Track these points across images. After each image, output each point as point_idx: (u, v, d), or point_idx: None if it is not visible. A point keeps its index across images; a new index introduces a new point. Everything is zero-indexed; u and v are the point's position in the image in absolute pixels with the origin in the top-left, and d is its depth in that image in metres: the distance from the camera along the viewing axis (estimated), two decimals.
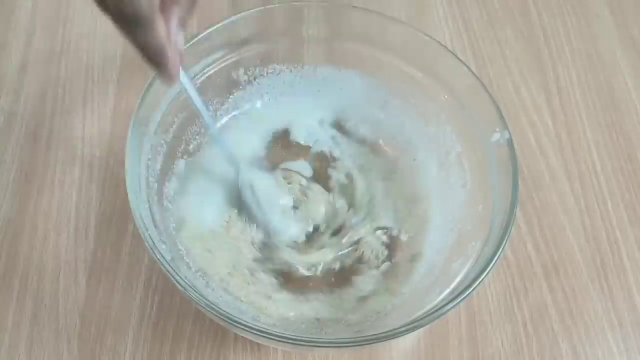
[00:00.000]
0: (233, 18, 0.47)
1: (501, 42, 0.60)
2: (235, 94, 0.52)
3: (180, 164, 0.49)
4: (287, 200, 0.49)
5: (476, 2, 0.63)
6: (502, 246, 0.40)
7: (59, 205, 0.50)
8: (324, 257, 0.48)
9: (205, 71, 0.48)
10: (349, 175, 0.52)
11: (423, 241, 0.48)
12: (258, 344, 0.46)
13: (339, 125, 0.53)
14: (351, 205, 0.50)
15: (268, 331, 0.37)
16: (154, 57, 0.35)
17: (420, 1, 0.62)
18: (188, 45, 0.45)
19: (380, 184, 0.51)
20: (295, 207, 0.50)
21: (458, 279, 0.41)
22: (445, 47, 0.47)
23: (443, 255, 0.46)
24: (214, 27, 0.47)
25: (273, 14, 0.49)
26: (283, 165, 0.52)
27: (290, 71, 0.52)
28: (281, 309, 0.45)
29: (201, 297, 0.38)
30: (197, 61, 0.47)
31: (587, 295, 0.49)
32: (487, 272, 0.39)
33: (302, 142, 0.53)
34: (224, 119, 0.52)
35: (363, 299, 0.46)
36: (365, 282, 0.47)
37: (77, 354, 0.45)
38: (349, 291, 0.47)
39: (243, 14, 0.48)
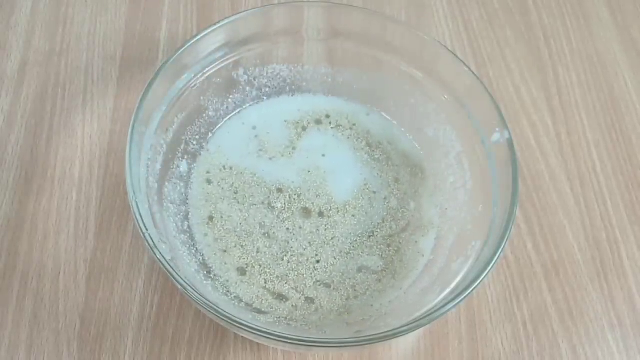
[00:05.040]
0: (233, 18, 0.47)
1: (501, 42, 0.60)
2: (235, 94, 0.52)
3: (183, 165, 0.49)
4: None
5: (476, 2, 0.63)
6: (502, 246, 0.40)
7: (59, 205, 0.50)
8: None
9: (205, 71, 0.48)
10: None
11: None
12: (258, 344, 0.46)
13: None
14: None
15: (268, 331, 0.37)
16: None
17: (420, 1, 0.62)
18: (188, 45, 0.46)
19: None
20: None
21: (458, 279, 0.41)
22: (445, 47, 0.47)
23: (443, 255, 0.46)
24: (214, 27, 0.47)
25: (273, 14, 0.49)
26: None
27: (290, 71, 0.52)
28: None
29: (201, 297, 0.38)
30: (197, 61, 0.47)
31: (587, 295, 0.49)
32: (487, 272, 0.39)
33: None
34: (224, 120, 0.52)
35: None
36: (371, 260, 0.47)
37: (77, 354, 0.45)
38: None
39: (243, 14, 0.48)
